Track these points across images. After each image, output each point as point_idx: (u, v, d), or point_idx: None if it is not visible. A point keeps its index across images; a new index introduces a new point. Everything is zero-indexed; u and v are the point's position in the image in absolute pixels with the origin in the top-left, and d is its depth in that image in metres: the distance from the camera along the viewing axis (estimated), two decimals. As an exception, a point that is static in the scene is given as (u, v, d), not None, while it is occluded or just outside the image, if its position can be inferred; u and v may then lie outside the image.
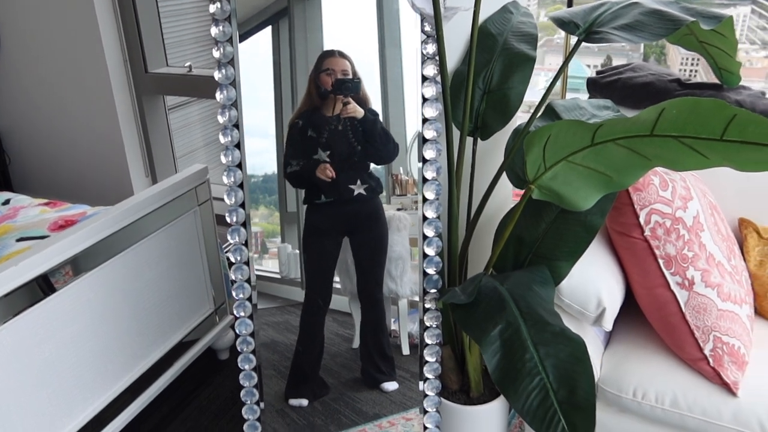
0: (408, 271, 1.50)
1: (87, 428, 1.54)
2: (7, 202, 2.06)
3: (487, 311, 1.06)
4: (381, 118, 1.37)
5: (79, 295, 1.47)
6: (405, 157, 1.40)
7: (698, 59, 3.17)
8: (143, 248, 1.64)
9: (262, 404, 1.49)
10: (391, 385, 1.58)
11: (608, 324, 1.26)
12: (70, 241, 1.45)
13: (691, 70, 3.14)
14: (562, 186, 1.10)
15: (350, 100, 1.33)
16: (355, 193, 1.40)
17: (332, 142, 1.35)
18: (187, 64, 2.71)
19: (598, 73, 1.82)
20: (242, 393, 1.44)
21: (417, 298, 1.51)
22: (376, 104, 1.37)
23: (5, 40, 2.90)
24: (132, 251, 1.61)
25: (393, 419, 1.63)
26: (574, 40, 1.28)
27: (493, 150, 1.54)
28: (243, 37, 1.31)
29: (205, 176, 1.81)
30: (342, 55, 1.34)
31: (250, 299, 1.34)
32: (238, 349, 1.40)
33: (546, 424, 0.89)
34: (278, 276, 1.53)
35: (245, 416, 1.45)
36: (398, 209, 1.48)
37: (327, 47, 1.35)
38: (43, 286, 1.41)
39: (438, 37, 1.14)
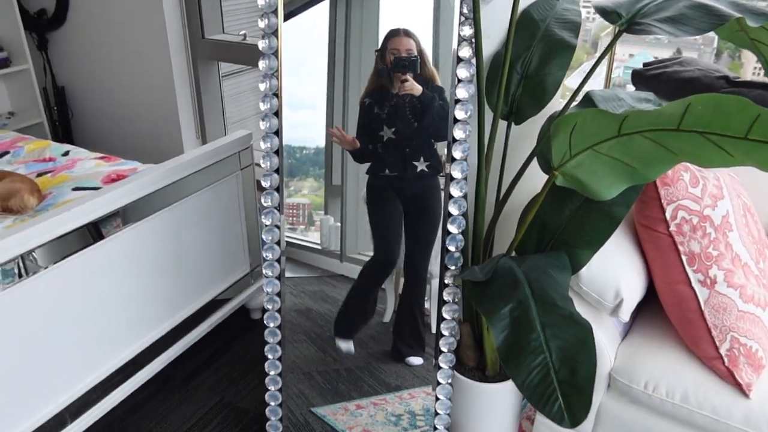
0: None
1: (127, 367, 1.66)
2: (66, 153, 2.20)
3: (500, 290, 1.10)
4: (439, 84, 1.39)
5: (125, 244, 1.58)
6: None
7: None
8: (187, 206, 1.73)
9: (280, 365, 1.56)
10: (416, 360, 1.64)
11: (625, 315, 1.27)
12: (119, 192, 1.55)
13: (768, 69, 2.98)
14: (586, 174, 1.11)
15: (408, 77, 1.36)
16: (418, 169, 1.45)
17: (395, 118, 1.40)
18: (242, 32, 2.78)
19: (644, 65, 1.79)
20: (266, 348, 1.52)
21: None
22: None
23: (74, 3, 3.04)
24: (176, 207, 1.70)
25: (413, 392, 1.69)
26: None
27: (528, 135, 1.55)
28: (300, 10, 1.36)
29: (249, 142, 1.88)
30: (407, 34, 1.38)
31: (279, 260, 1.41)
32: (265, 306, 1.47)
33: (543, 400, 0.92)
34: (319, 247, 1.59)
35: (267, 370, 1.53)
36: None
37: (384, 24, 1.39)
38: (93, 233, 1.52)
39: (475, 20, 1.16)
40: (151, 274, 1.68)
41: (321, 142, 1.46)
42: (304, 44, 1.42)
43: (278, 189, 1.33)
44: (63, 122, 3.35)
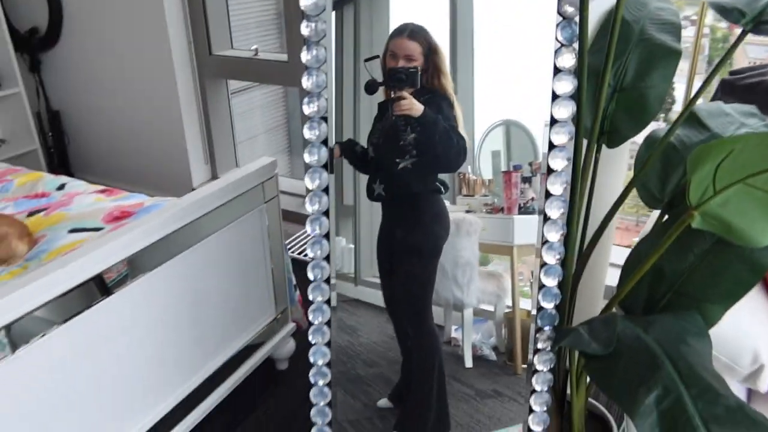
0: (475, 279, 1.34)
1: (138, 444, 1.41)
2: (62, 187, 1.95)
3: (633, 369, 0.84)
4: (455, 103, 1.15)
5: (135, 299, 1.34)
6: (473, 154, 1.22)
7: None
8: (204, 248, 1.50)
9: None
10: None
11: (765, 384, 1.02)
12: (127, 239, 1.31)
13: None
14: (733, 215, 0.87)
15: (404, 94, 1.09)
16: (375, 193, 1.21)
17: (380, 138, 1.15)
18: (254, 47, 2.56)
19: (731, 72, 1.55)
20: (313, 412, 1.28)
21: (483, 306, 1.33)
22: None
23: (68, 20, 2.83)
24: (192, 251, 1.46)
25: None
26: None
27: (608, 159, 1.31)
28: None
29: (273, 171, 1.64)
30: (412, 36, 1.11)
31: (328, 302, 1.15)
32: (311, 360, 1.23)
33: None
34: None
35: (314, 419, 1.28)
36: (467, 211, 1.31)
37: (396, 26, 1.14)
38: (97, 288, 1.27)
39: (581, 20, 0.92)
40: (166, 331, 1.44)
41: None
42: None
43: (326, 213, 1.07)
44: (58, 149, 3.12)
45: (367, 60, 1.13)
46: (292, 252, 2.36)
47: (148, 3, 2.49)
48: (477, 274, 1.36)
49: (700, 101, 1.28)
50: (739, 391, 1.14)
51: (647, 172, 1.15)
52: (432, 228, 1.26)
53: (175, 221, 1.39)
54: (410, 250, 1.28)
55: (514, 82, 1.15)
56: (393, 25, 1.16)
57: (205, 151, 2.77)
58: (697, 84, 2.31)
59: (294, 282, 1.87)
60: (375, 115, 1.18)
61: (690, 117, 1.18)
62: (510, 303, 1.30)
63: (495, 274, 1.35)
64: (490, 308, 1.38)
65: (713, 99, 1.59)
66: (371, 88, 1.12)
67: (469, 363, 1.44)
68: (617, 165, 1.38)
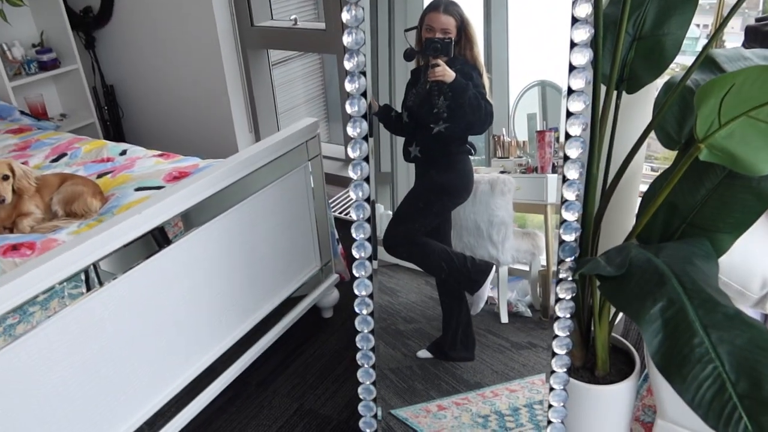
0: (510, 237, 1.40)
1: (201, 377, 1.57)
2: (124, 152, 2.12)
3: (642, 286, 0.94)
4: (484, 72, 1.24)
5: (192, 249, 1.48)
6: (508, 117, 1.29)
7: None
8: (254, 203, 1.63)
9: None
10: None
11: (774, 307, 1.10)
12: (186, 192, 1.45)
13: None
14: (738, 146, 0.94)
15: (439, 62, 1.20)
16: (412, 156, 1.30)
17: (414, 101, 1.25)
18: (293, 17, 2.66)
19: (758, 19, 1.58)
20: (358, 356, 1.40)
21: (518, 266, 1.40)
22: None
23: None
24: (243, 206, 1.60)
25: (496, 389, 1.55)
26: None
27: (631, 105, 1.37)
28: None
29: (315, 130, 1.76)
30: (447, 10, 1.21)
31: (370, 259, 1.28)
32: (356, 310, 1.35)
33: (724, 420, 0.77)
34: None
35: (360, 380, 1.42)
36: (501, 172, 1.37)
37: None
38: (159, 239, 1.42)
39: (596, -28, 0.99)
40: (220, 278, 1.59)
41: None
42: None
43: (367, 179, 1.19)
44: (114, 122, 3.31)
45: (407, 30, 1.24)
46: (334, 211, 2.48)
47: (193, -21, 2.62)
48: (512, 232, 1.40)
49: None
50: (753, 316, 1.21)
51: (665, 115, 1.21)
52: (457, 185, 1.35)
53: (226, 177, 1.52)
54: (445, 194, 1.38)
55: (549, 43, 1.21)
56: (427, 0, 1.24)
57: (249, 120, 2.90)
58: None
59: (337, 236, 1.99)
60: (408, 81, 1.28)
61: (707, 61, 1.23)
62: (544, 261, 1.36)
63: (530, 232, 1.39)
64: (525, 267, 1.43)
65: (742, 45, 1.62)
66: (410, 55, 1.23)
67: (504, 319, 1.50)
68: (642, 110, 1.44)
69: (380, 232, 1.47)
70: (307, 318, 1.96)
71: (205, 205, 1.49)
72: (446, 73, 1.21)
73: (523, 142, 1.38)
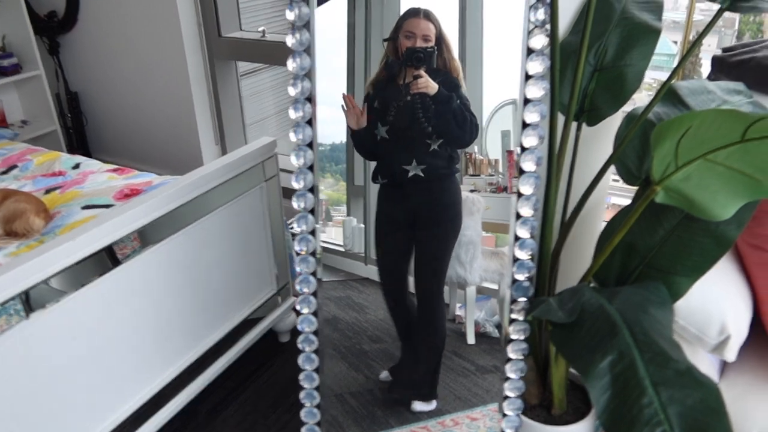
0: (478, 257, 1.37)
1: (145, 407, 1.50)
2: (77, 166, 2.03)
3: (593, 335, 0.89)
4: (463, 84, 1.19)
5: (139, 272, 1.41)
6: (480, 134, 1.25)
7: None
8: (207, 224, 1.56)
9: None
10: (423, 406, 1.44)
11: (732, 354, 1.06)
12: (134, 213, 1.38)
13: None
14: (695, 189, 0.90)
15: (422, 73, 1.14)
16: (410, 174, 1.24)
17: (399, 116, 1.18)
18: (261, 28, 2.59)
19: (724, 50, 1.55)
20: (301, 377, 1.34)
21: (486, 285, 1.36)
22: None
23: (84, 3, 2.88)
24: (195, 227, 1.53)
25: (457, 417, 1.50)
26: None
27: (592, 136, 1.33)
28: (319, 1, 1.18)
29: (273, 150, 1.69)
30: (428, 16, 1.16)
31: (314, 274, 1.21)
32: (299, 328, 1.28)
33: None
34: (342, 249, 1.43)
35: (303, 402, 1.35)
36: (471, 191, 1.34)
37: (406, 8, 1.18)
38: (103, 261, 1.35)
39: (552, 1, 0.95)
40: (171, 301, 1.51)
41: (338, 139, 1.29)
42: (321, 37, 1.24)
43: (312, 190, 1.12)
44: (77, 130, 3.21)
45: (386, 40, 1.19)
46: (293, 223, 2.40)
47: (160, -13, 2.55)
48: (480, 252, 1.38)
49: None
50: (712, 361, 1.18)
51: (626, 149, 1.17)
52: (454, 205, 1.31)
53: (179, 196, 1.46)
54: (434, 227, 1.33)
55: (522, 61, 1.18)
56: (404, 7, 1.19)
57: (215, 131, 2.83)
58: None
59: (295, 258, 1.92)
60: (373, 96, 1.22)
61: (670, 94, 1.19)
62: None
63: (498, 252, 1.37)
64: (494, 286, 1.40)
65: (708, 76, 1.59)
66: (391, 66, 1.18)
67: (471, 340, 1.47)
68: (604, 143, 1.41)
69: (353, 247, 1.42)
70: (263, 342, 1.89)
71: (154, 227, 1.42)
72: (429, 84, 1.15)
73: (495, 160, 1.34)
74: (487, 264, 1.38)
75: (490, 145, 1.35)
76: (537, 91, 0.99)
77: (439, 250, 1.35)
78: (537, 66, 0.97)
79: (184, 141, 2.82)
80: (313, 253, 1.17)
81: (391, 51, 1.18)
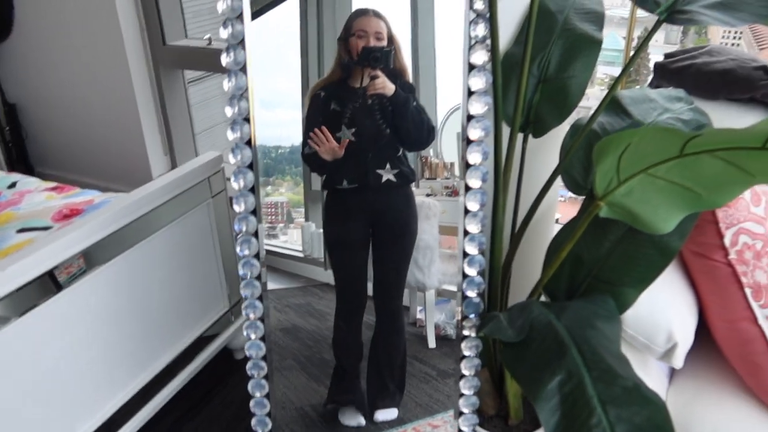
0: (436, 261, 1.38)
1: (96, 435, 1.43)
2: (13, 185, 1.94)
3: (541, 355, 0.88)
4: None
5: (87, 293, 1.35)
6: (436, 138, 1.25)
7: (740, 33, 2.93)
8: (152, 244, 1.50)
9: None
10: (387, 414, 1.42)
11: (679, 361, 1.07)
12: (76, 235, 1.31)
13: (732, 44, 2.88)
14: (638, 204, 0.90)
15: (378, 73, 1.12)
16: (384, 179, 1.22)
17: (357, 118, 1.16)
18: (207, 36, 2.53)
19: (666, 56, 1.58)
20: (252, 404, 1.30)
21: (446, 287, 1.37)
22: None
23: (20, 10, 2.76)
24: (140, 248, 1.47)
25: (418, 425, 1.49)
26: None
27: (540, 147, 1.34)
28: (267, 8, 1.16)
29: (219, 165, 1.65)
30: (377, 15, 1.13)
31: (260, 299, 1.17)
32: (247, 354, 1.24)
33: None
34: (301, 255, 1.43)
35: (254, 429, 1.31)
36: (427, 195, 1.34)
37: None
38: (50, 283, 1.29)
39: (491, 16, 0.93)
40: (119, 324, 1.45)
41: (297, 140, 1.27)
42: (275, 39, 1.22)
43: (254, 212, 1.08)
44: (17, 144, 3.07)
45: (340, 39, 1.15)
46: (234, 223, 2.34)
47: (100, -6, 2.45)
48: (438, 256, 1.38)
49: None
50: (662, 368, 1.19)
51: (571, 160, 1.18)
52: (413, 212, 1.30)
53: (119, 219, 1.39)
54: (396, 235, 1.31)
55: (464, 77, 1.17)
56: (355, 8, 1.17)
57: (163, 142, 2.75)
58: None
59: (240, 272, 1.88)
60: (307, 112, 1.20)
61: (613, 103, 1.20)
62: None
63: (456, 254, 1.38)
64: (454, 288, 1.40)
65: (651, 83, 1.62)
66: (347, 66, 1.15)
67: (432, 344, 1.47)
68: (553, 154, 1.41)
69: (312, 252, 1.39)
70: (218, 362, 1.84)
71: (98, 248, 1.36)
72: (386, 85, 1.13)
73: (451, 163, 1.33)
74: (445, 267, 1.38)
75: (445, 148, 1.35)
76: (480, 107, 0.98)
77: (402, 260, 1.33)
78: (479, 82, 0.96)
79: (132, 152, 2.73)
80: (258, 277, 1.13)
81: (344, 52, 1.15)
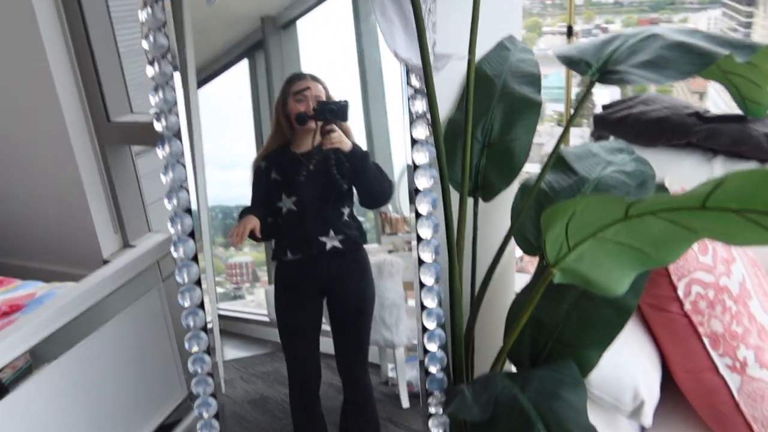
0: (403, 318, 1.33)
1: None
2: (-51, 280, 1.83)
3: (508, 433, 0.85)
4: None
5: (33, 395, 1.27)
6: (393, 192, 1.21)
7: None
8: (100, 337, 1.43)
9: None
10: None
11: (647, 419, 1.06)
12: (16, 338, 1.24)
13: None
14: (590, 268, 0.90)
15: (334, 127, 1.09)
16: (328, 246, 1.18)
17: (302, 184, 1.14)
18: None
19: (604, 107, 1.63)
20: None
21: (415, 343, 1.32)
22: (359, 137, 1.17)
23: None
24: (89, 342, 1.40)
25: None
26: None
27: (491, 210, 1.34)
28: (220, 72, 1.18)
29: (167, 247, 1.59)
30: (314, 78, 1.12)
31: (210, 374, 1.10)
32: (196, 410, 1.17)
33: None
34: (267, 319, 1.37)
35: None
36: (390, 251, 1.32)
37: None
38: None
39: (428, 93, 0.94)
40: (71, 423, 1.36)
41: None
42: (227, 101, 1.22)
43: (195, 259, 1.04)
44: (-44, 230, 2.94)
45: (296, 93, 1.13)
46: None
47: (37, 72, 2.40)
48: (404, 313, 1.35)
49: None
50: (633, 426, 1.17)
51: (523, 221, 1.18)
52: (368, 275, 1.26)
53: (60, 316, 1.32)
54: (350, 301, 1.27)
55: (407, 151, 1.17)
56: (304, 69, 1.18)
57: (113, 219, 2.66)
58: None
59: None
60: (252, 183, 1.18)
61: (558, 161, 1.22)
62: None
63: None
64: None
65: (592, 133, 1.67)
66: (302, 119, 1.12)
67: (405, 403, 1.42)
68: (503, 215, 1.42)
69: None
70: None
71: (39, 348, 1.29)
72: (343, 139, 1.09)
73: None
74: (412, 324, 1.34)
75: (403, 203, 1.34)
76: (426, 181, 0.97)
77: (361, 328, 1.29)
78: (422, 157, 0.96)
79: (79, 233, 2.64)
80: (208, 351, 1.07)
81: (282, 118, 1.13)
